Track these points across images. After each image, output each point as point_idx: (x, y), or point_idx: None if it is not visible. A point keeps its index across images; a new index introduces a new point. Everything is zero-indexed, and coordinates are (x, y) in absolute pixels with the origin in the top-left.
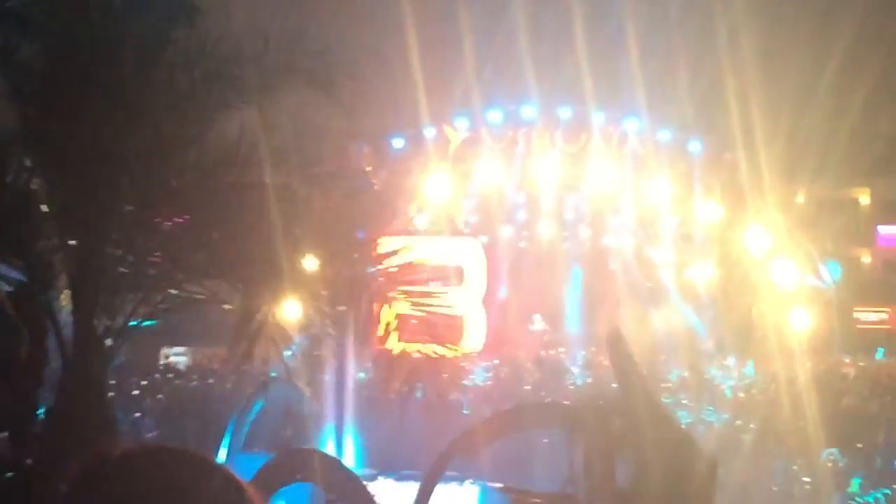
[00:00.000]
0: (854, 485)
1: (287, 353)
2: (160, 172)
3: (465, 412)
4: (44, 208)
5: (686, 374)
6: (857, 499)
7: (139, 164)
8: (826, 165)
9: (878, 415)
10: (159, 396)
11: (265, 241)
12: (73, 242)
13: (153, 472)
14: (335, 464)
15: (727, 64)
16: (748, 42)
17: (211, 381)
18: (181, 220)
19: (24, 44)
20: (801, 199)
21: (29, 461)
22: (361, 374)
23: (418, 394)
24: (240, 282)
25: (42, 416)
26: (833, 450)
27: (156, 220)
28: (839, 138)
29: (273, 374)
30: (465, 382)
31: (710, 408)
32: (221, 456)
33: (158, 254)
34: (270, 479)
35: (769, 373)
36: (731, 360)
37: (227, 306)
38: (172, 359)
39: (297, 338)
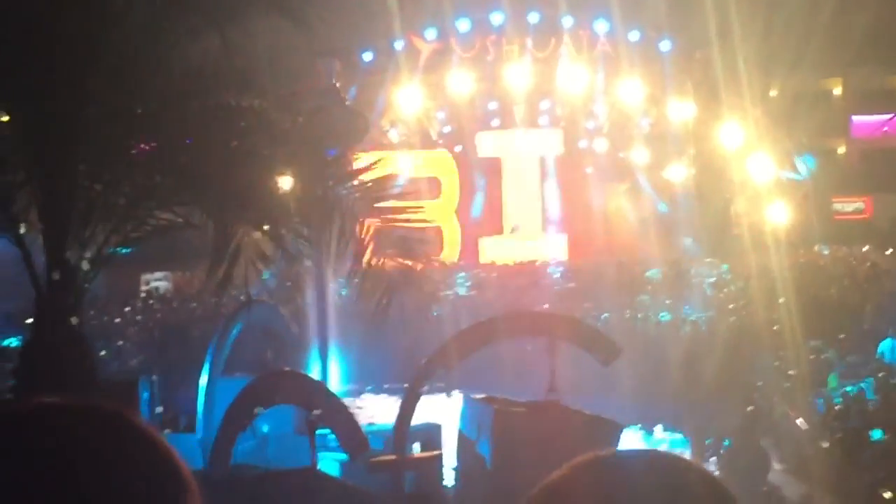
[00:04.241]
0: (831, 381)
1: (265, 274)
2: (126, 99)
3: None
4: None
5: (665, 272)
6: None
7: (104, 92)
8: (800, 59)
9: (861, 303)
10: (138, 319)
11: (235, 163)
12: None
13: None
14: (315, 385)
15: None
16: None
17: (193, 305)
18: (149, 147)
19: None
20: (774, 93)
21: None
22: (343, 292)
23: (397, 308)
24: (211, 206)
25: (19, 349)
26: (817, 342)
27: (123, 148)
28: (813, 31)
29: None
30: (447, 293)
31: (688, 306)
32: (202, 381)
33: (128, 182)
34: (252, 402)
35: (747, 267)
36: (709, 258)
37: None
38: (153, 284)
39: (273, 259)
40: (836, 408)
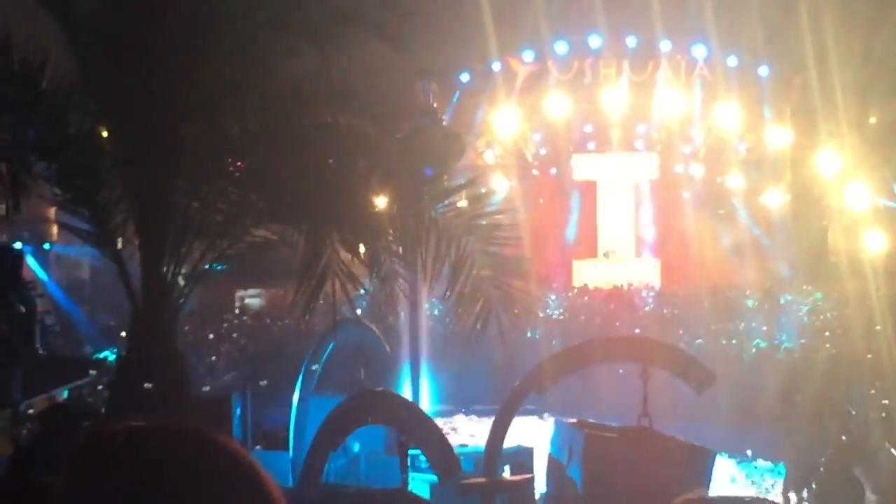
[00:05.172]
0: None
1: (359, 293)
2: (224, 117)
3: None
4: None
5: (760, 300)
6: None
7: (203, 110)
8: None
9: None
10: (232, 336)
11: (331, 182)
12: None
13: (154, 453)
14: (407, 405)
15: None
16: None
17: (287, 321)
18: (246, 165)
19: None
20: (873, 119)
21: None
22: (436, 311)
23: (492, 329)
24: (307, 224)
25: (115, 362)
26: None
27: (220, 166)
28: None
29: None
30: (540, 314)
31: (783, 334)
32: (295, 399)
33: (224, 199)
34: (343, 421)
35: (844, 295)
36: (805, 285)
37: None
38: (247, 301)
39: (366, 278)
40: None
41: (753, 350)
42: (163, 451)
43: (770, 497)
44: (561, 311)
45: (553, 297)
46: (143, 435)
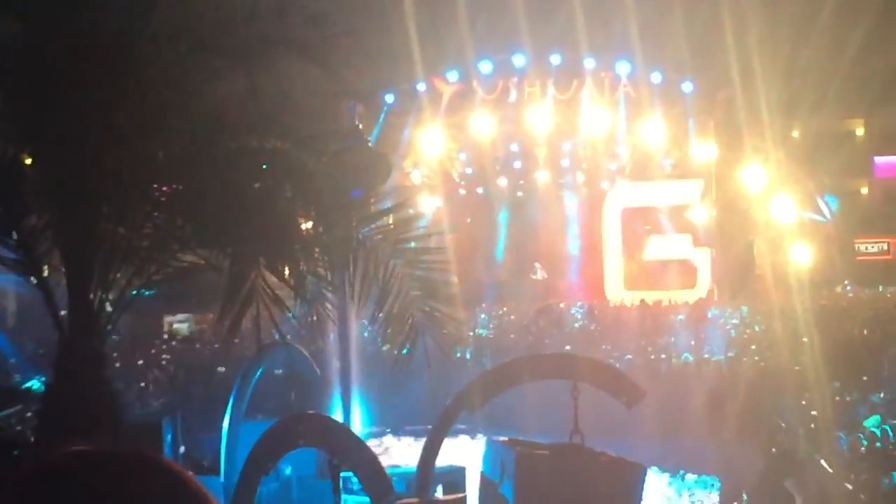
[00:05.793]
0: (873, 420)
1: (286, 316)
2: (149, 142)
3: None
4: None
5: (687, 313)
6: (866, 431)
7: (127, 135)
8: (822, 100)
9: (882, 345)
10: (162, 361)
11: (257, 206)
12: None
13: (104, 478)
14: (338, 427)
15: (719, 1)
16: None
17: (216, 346)
18: (172, 190)
19: (4, 20)
20: (797, 134)
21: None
22: (365, 334)
23: (420, 351)
24: (233, 248)
25: (42, 391)
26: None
27: (146, 191)
28: (835, 72)
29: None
30: (469, 334)
31: (711, 347)
32: (225, 424)
33: (151, 224)
34: (274, 445)
35: (770, 309)
36: (731, 299)
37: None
38: (175, 325)
39: (294, 302)
40: (862, 449)
41: (682, 364)
42: (113, 475)
43: None
44: (491, 328)
45: (483, 316)
46: (92, 460)
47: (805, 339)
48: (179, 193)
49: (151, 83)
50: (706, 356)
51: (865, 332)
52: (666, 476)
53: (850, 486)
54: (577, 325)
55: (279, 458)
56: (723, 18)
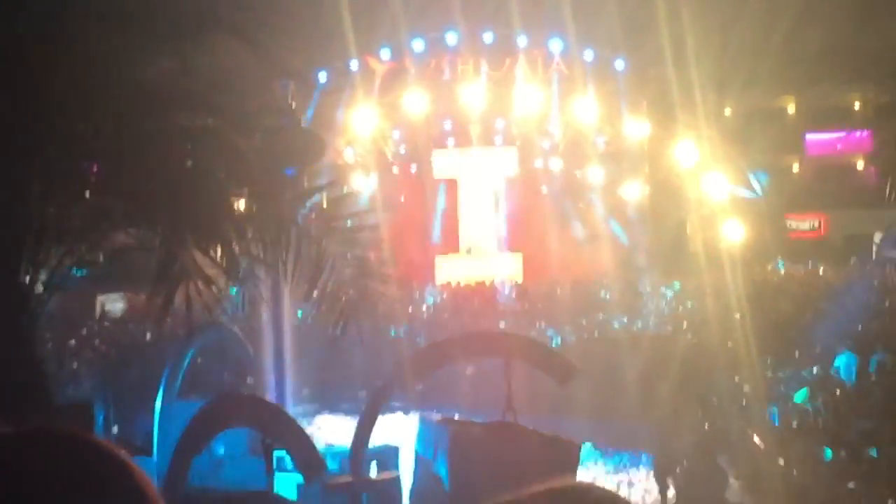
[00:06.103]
0: (801, 395)
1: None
2: (79, 120)
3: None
4: None
5: (620, 290)
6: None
7: (56, 113)
8: (753, 77)
9: (813, 322)
10: (94, 342)
11: (188, 184)
12: None
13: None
14: (270, 406)
15: None
16: None
17: (148, 326)
18: (100, 168)
19: None
20: (728, 111)
21: None
22: (299, 313)
23: (354, 330)
24: (163, 227)
25: None
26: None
27: (76, 169)
28: (766, 50)
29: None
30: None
31: (643, 323)
32: (157, 404)
33: (81, 203)
34: (206, 426)
35: (702, 285)
36: (664, 276)
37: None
38: (108, 306)
39: (226, 280)
40: (793, 424)
41: (613, 341)
42: (41, 455)
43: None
44: (430, 305)
45: (425, 292)
46: (19, 441)
47: (737, 316)
48: (109, 172)
49: (80, 61)
50: (638, 332)
51: (797, 308)
52: (598, 453)
53: (781, 461)
54: (509, 303)
55: (212, 439)
56: None
